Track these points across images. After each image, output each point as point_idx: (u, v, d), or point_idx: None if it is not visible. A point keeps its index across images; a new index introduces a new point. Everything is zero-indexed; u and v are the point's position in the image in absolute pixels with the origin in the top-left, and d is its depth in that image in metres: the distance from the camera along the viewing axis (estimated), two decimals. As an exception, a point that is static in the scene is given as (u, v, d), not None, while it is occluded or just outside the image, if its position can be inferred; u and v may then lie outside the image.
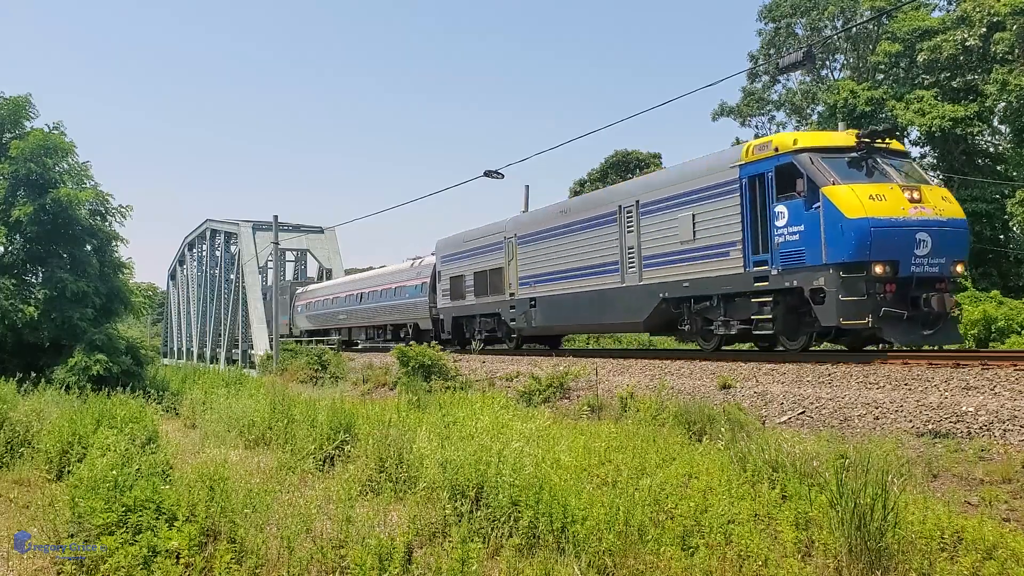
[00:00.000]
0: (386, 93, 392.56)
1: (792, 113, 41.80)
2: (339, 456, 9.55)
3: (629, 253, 17.92)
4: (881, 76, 35.20)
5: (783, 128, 42.66)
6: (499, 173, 22.86)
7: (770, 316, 14.34)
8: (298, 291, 47.46)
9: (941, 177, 30.68)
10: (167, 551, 5.76)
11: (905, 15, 33.88)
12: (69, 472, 8.60)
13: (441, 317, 27.41)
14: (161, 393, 18.22)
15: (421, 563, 5.77)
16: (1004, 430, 8.58)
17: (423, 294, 29.59)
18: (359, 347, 37.74)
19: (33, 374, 19.17)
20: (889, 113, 31.65)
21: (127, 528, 6.14)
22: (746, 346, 18.86)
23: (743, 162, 14.91)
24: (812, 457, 7.44)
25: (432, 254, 30.13)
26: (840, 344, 15.60)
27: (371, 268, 44.92)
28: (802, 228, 13.51)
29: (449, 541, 6.07)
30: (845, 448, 7.85)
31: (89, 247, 22.26)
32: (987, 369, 10.89)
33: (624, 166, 47.47)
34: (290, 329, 46.23)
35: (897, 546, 5.35)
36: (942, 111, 29.98)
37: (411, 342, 27.97)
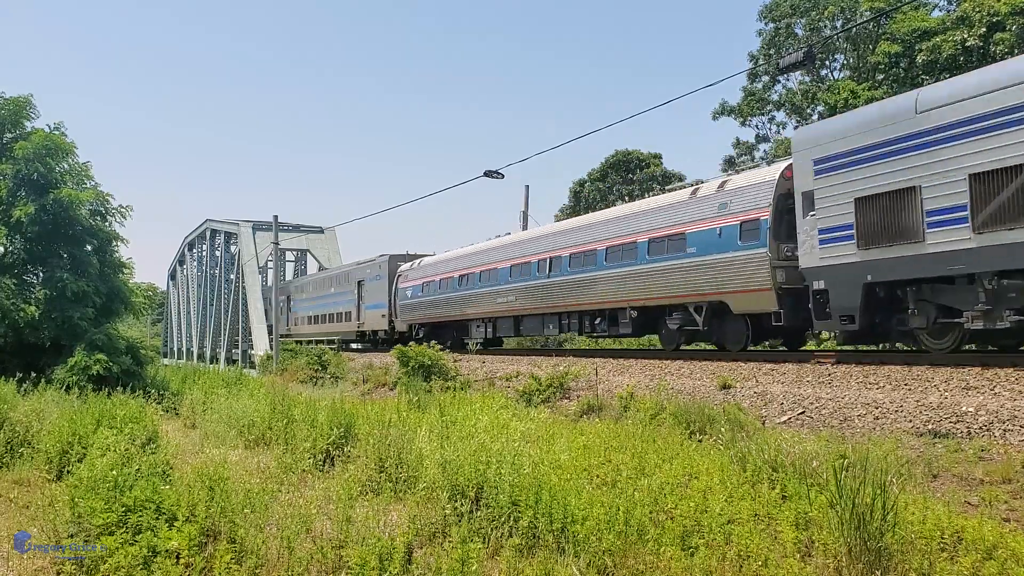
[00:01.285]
0: (386, 93, 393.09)
1: (792, 113, 41.79)
2: (339, 456, 9.55)
3: None
4: (881, 76, 35.19)
5: (783, 128, 42.70)
6: (499, 173, 22.90)
7: None
8: (403, 268, 32.91)
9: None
10: (167, 551, 5.76)
11: (904, 15, 33.89)
12: (69, 472, 8.61)
13: (818, 284, 13.78)
14: (161, 393, 18.23)
15: (421, 563, 5.77)
16: (1004, 430, 8.59)
17: (747, 244, 15.58)
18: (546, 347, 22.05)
19: (33, 374, 19.19)
20: (889, 113, 31.62)
21: (127, 528, 6.15)
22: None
23: None
24: (812, 457, 7.44)
25: (758, 163, 17.91)
26: None
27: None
28: None
29: (449, 541, 6.07)
30: (845, 448, 7.85)
31: (89, 247, 22.31)
32: (987, 369, 10.88)
33: (624, 166, 47.48)
34: (390, 323, 33.36)
35: (897, 546, 5.35)
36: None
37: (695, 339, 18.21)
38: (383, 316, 33.81)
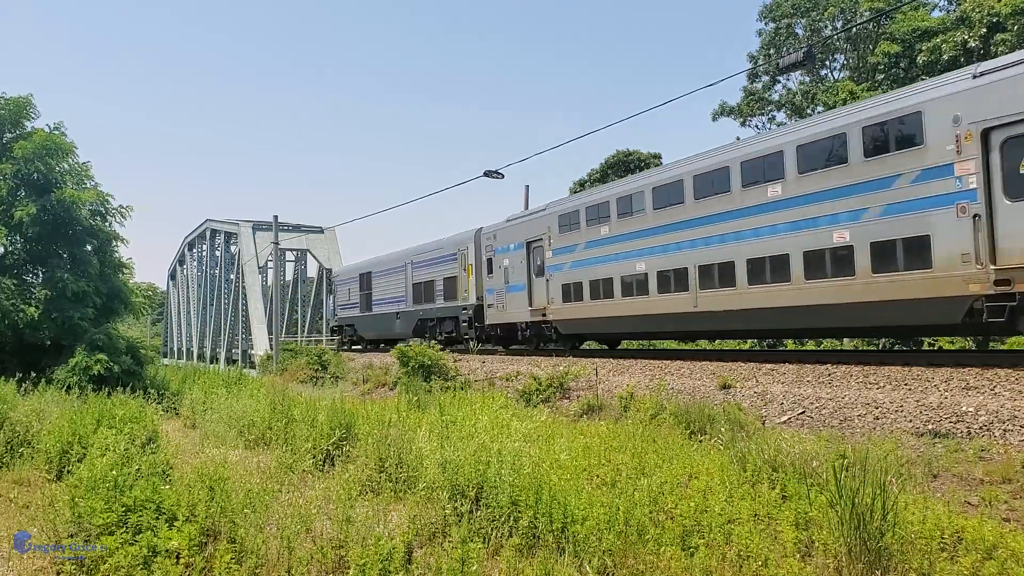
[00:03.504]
0: (386, 93, 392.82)
1: (792, 113, 41.77)
2: (339, 456, 9.55)
3: None
4: (881, 76, 35.18)
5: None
6: (499, 173, 22.84)
7: None
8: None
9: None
10: (167, 551, 5.76)
11: (904, 16, 33.88)
12: (69, 472, 8.61)
13: None
14: (161, 393, 18.22)
15: (421, 563, 5.77)
16: (1004, 430, 8.58)
17: None
18: None
19: (33, 374, 19.18)
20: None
21: (127, 528, 6.15)
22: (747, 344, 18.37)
23: None
24: (812, 457, 7.44)
25: None
26: None
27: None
28: None
29: (449, 541, 6.07)
30: (845, 448, 7.85)
31: (89, 247, 22.31)
32: (987, 369, 10.89)
33: (624, 166, 47.46)
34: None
35: (897, 546, 5.35)
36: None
37: None
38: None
